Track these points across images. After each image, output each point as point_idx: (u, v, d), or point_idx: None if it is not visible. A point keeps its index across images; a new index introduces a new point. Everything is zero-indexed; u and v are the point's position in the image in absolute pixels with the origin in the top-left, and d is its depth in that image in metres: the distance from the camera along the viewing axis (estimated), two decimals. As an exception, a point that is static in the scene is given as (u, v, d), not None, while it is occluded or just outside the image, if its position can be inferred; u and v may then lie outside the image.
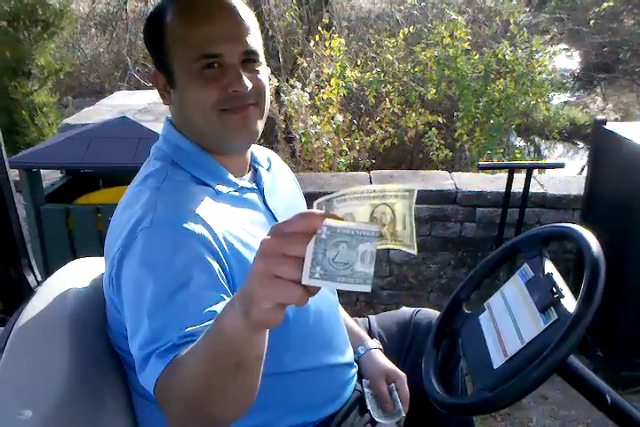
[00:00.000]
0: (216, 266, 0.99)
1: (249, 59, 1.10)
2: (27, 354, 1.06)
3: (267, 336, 0.74)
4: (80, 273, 1.27)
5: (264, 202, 1.21)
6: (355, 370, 1.35)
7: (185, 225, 1.00)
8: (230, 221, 1.09)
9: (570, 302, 1.01)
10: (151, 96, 5.02)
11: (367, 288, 0.62)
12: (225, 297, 0.93)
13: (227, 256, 1.03)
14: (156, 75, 1.15)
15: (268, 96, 1.16)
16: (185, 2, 1.11)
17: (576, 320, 0.93)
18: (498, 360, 1.06)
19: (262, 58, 1.14)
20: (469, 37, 5.24)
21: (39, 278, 1.28)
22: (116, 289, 1.02)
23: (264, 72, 1.14)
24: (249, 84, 1.09)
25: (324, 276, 0.61)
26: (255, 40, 1.11)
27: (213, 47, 1.07)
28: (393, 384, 1.37)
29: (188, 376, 0.79)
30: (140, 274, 0.96)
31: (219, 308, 0.89)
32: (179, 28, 1.09)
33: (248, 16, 1.12)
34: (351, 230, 0.62)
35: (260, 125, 1.16)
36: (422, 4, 6.85)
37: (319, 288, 0.63)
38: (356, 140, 4.87)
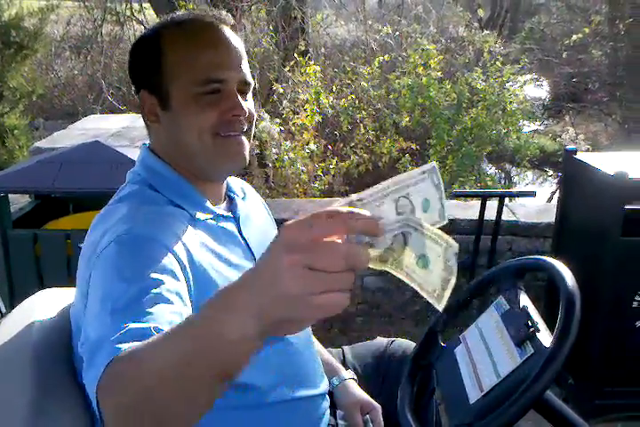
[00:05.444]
0: (182, 282, 0.96)
1: (243, 87, 1.13)
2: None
3: None
4: (46, 304, 1.23)
5: (239, 231, 1.21)
6: (328, 402, 1.33)
7: (160, 237, 0.99)
8: (204, 246, 1.08)
9: (545, 337, 1.01)
10: (125, 120, 4.98)
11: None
12: (179, 309, 0.88)
13: (195, 277, 1.01)
14: (145, 96, 1.14)
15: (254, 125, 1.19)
16: (188, 26, 1.13)
17: (552, 356, 0.92)
18: (474, 395, 1.05)
19: (251, 88, 1.16)
20: (442, 66, 5.34)
21: (3, 310, 1.24)
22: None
23: (252, 102, 1.17)
24: (247, 110, 1.11)
25: None
26: (248, 70, 1.14)
27: (218, 73, 1.09)
28: (368, 416, 1.35)
29: (149, 372, 0.68)
30: (108, 279, 0.92)
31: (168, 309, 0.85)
32: (183, 52, 1.10)
33: (242, 47, 1.15)
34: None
35: (249, 153, 1.17)
36: (397, 33, 6.97)
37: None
38: (330, 166, 4.89)
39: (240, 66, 1.12)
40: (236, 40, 1.14)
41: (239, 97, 1.10)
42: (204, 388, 0.66)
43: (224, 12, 1.19)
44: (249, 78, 1.14)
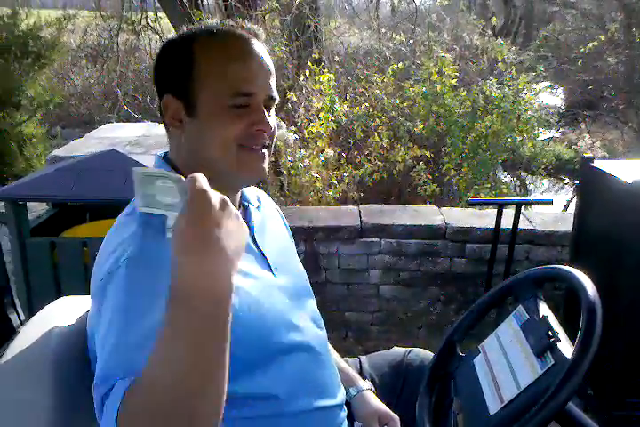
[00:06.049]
0: None
1: (268, 103, 1.13)
2: (5, 400, 1.02)
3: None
4: (65, 312, 1.24)
5: (254, 240, 1.20)
6: (345, 412, 1.32)
7: (170, 255, 0.98)
8: None
9: (566, 347, 0.99)
10: (140, 128, 5.02)
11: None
12: None
13: None
14: (170, 100, 1.14)
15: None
16: (223, 37, 1.13)
17: (574, 367, 0.91)
18: (494, 406, 1.04)
19: (276, 103, 1.17)
20: (457, 74, 5.32)
21: (22, 318, 1.24)
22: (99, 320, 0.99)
23: (274, 117, 1.17)
24: (272, 126, 1.12)
25: None
26: (275, 86, 1.15)
27: (249, 86, 1.09)
28: (386, 427, 1.33)
29: (160, 374, 0.77)
30: (118, 307, 0.93)
31: None
32: (216, 62, 1.10)
33: (272, 62, 1.16)
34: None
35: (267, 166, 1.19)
36: (410, 41, 6.97)
37: None
38: (344, 174, 4.89)
39: (269, 81, 1.13)
40: (267, 56, 1.14)
41: (265, 112, 1.11)
42: (209, 346, 0.78)
43: (256, 27, 1.19)
44: (275, 94, 1.14)
